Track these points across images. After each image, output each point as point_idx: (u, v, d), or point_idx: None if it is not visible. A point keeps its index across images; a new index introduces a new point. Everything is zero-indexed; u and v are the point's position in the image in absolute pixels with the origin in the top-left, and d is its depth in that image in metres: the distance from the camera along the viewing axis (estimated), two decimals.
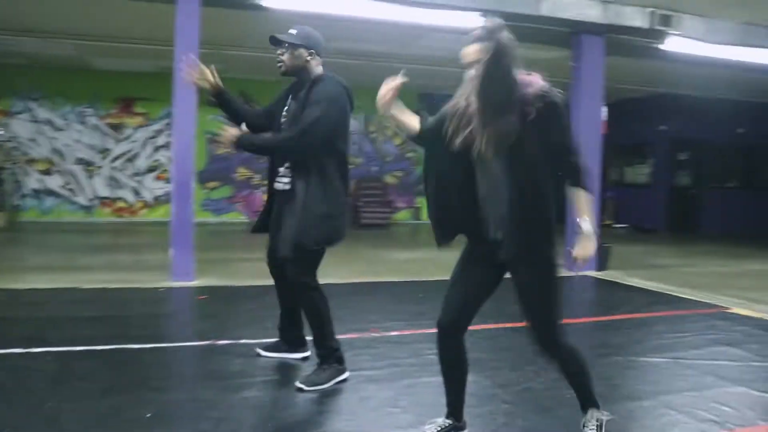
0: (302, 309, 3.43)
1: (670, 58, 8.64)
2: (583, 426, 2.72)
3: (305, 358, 3.78)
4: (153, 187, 12.95)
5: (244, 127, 3.48)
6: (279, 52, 3.40)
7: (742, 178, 15.28)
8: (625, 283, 7.17)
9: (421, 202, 14.69)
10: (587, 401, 2.74)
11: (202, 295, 5.71)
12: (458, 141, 2.46)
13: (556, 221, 2.49)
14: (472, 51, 2.45)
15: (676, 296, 6.34)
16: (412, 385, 3.47)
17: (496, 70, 2.35)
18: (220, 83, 3.47)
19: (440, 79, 12.41)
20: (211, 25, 6.64)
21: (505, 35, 2.42)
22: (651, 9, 7.59)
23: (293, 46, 3.37)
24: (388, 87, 2.57)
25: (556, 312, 2.56)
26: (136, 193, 12.89)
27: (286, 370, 3.66)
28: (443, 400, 2.73)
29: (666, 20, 7.56)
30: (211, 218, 13.14)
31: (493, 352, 4.16)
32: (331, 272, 6.66)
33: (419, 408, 3.10)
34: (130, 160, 12.83)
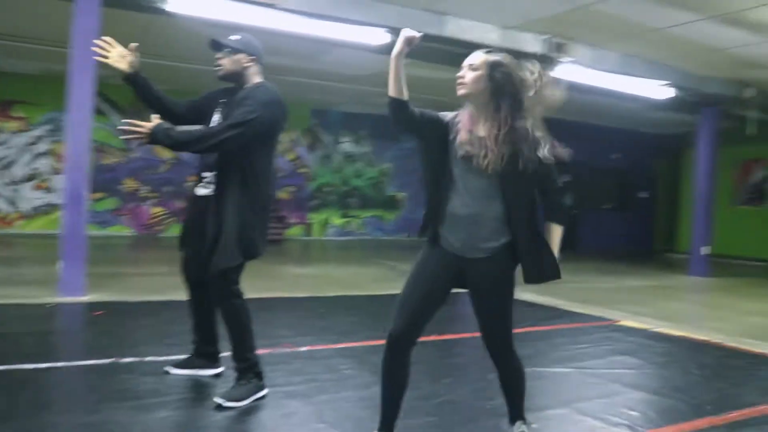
0: (224, 319, 3.26)
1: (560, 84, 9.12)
2: None
3: (218, 375, 3.62)
4: (31, 197, 12.05)
5: (156, 117, 3.17)
6: (219, 56, 3.29)
7: (616, 199, 16.37)
8: (521, 299, 7.42)
9: (312, 217, 14.61)
10: (518, 412, 2.79)
11: (97, 310, 5.34)
12: (461, 153, 2.54)
13: None
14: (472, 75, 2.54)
15: (572, 311, 6.64)
16: (333, 400, 3.40)
17: (513, 103, 2.52)
18: (137, 62, 3.28)
19: (336, 95, 12.49)
20: (110, 28, 6.31)
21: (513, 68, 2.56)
22: (547, 36, 8.00)
23: (234, 51, 3.28)
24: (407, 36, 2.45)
25: (511, 322, 2.65)
26: (12, 203, 11.94)
27: (200, 388, 3.47)
28: (365, 413, 2.69)
29: (560, 47, 7.98)
30: (96, 231, 12.39)
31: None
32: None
33: (344, 423, 3.03)
34: (6, 167, 11.88)
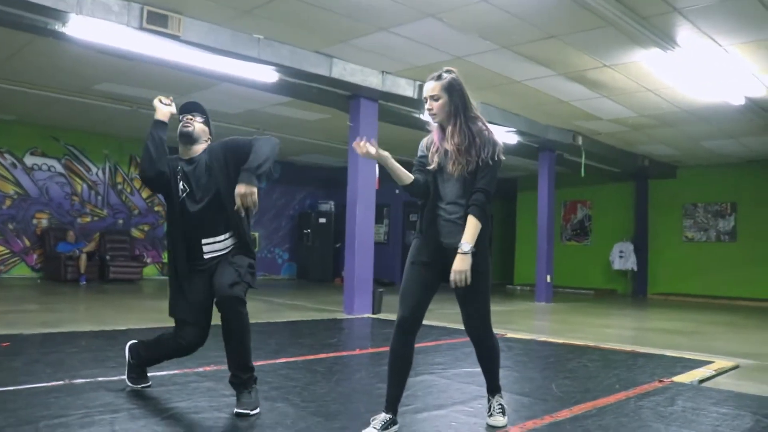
0: (241, 333, 3.29)
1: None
2: (490, 408, 3.24)
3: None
4: None
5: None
6: (190, 117, 3.48)
7: None
8: None
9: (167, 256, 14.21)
10: (495, 386, 3.26)
11: (3, 342, 5.03)
12: (434, 164, 3.06)
13: None
14: (437, 105, 3.03)
15: (453, 328, 7.24)
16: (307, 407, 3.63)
17: (466, 127, 3.01)
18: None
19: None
20: None
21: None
22: (419, 82, 8.80)
23: (207, 122, 3.56)
24: (362, 147, 2.91)
25: (489, 305, 3.14)
26: None
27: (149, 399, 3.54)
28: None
29: None
30: None
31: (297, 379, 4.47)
32: (124, 322, 6.43)
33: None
34: None
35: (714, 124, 10.38)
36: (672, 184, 14.60)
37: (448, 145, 3.02)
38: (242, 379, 3.33)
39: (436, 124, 3.10)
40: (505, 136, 10.86)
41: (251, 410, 3.25)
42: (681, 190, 14.53)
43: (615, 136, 11.56)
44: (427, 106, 3.07)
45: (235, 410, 3.25)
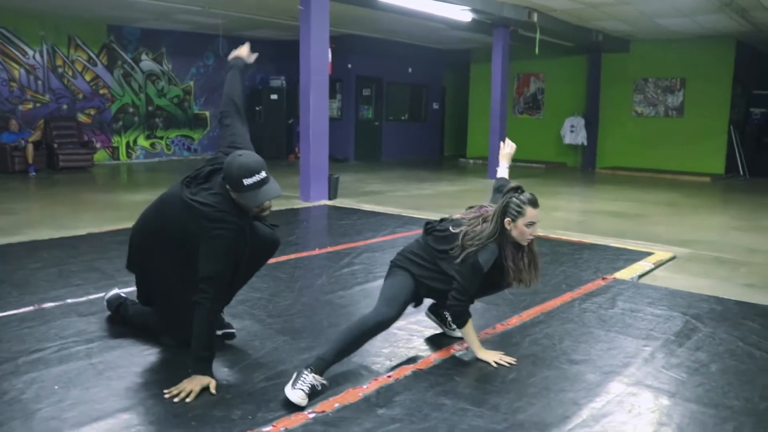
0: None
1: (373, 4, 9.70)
2: (446, 321, 3.49)
3: None
4: None
5: None
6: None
7: (411, 111, 17.63)
8: (362, 209, 8.13)
9: (117, 140, 13.93)
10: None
11: None
12: None
13: None
14: None
15: (412, 216, 7.47)
16: None
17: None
18: None
19: (133, 11, 11.76)
20: None
21: None
22: None
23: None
24: None
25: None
26: None
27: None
28: None
29: None
30: None
31: (262, 290, 4.67)
32: (82, 224, 6.43)
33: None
34: None
35: (668, 3, 10.30)
36: (624, 58, 14.63)
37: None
38: None
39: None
40: (459, 13, 10.62)
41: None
42: (633, 65, 14.59)
43: (571, 13, 11.39)
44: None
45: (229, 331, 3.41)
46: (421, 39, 15.17)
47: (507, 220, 3.00)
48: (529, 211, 2.98)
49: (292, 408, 2.62)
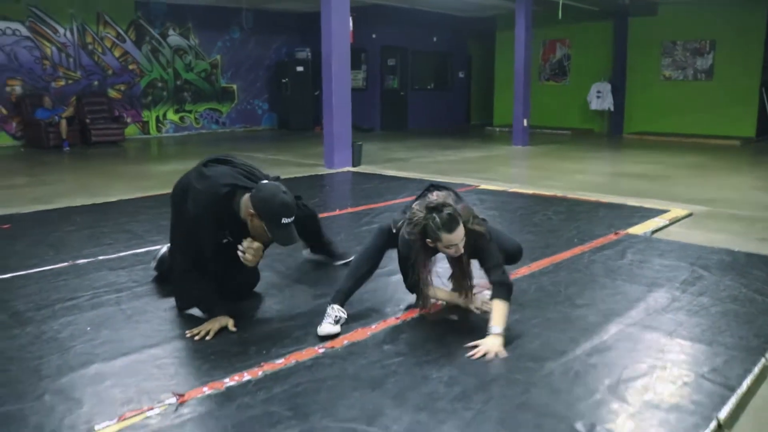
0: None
1: None
2: None
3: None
4: None
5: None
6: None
7: (436, 80, 17.62)
8: (386, 174, 8.27)
9: (147, 115, 14.24)
10: None
11: (4, 224, 5.31)
12: None
13: None
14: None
15: (436, 180, 7.57)
16: None
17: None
18: None
19: None
20: None
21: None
22: None
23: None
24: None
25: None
26: None
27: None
28: None
29: None
30: None
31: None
32: (114, 192, 6.69)
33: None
34: None
35: None
36: (652, 21, 14.38)
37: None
38: None
39: None
40: None
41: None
42: (660, 28, 14.33)
43: None
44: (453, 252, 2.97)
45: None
46: (444, 6, 15.10)
47: (428, 240, 2.94)
48: (445, 236, 2.85)
49: (327, 340, 2.88)
